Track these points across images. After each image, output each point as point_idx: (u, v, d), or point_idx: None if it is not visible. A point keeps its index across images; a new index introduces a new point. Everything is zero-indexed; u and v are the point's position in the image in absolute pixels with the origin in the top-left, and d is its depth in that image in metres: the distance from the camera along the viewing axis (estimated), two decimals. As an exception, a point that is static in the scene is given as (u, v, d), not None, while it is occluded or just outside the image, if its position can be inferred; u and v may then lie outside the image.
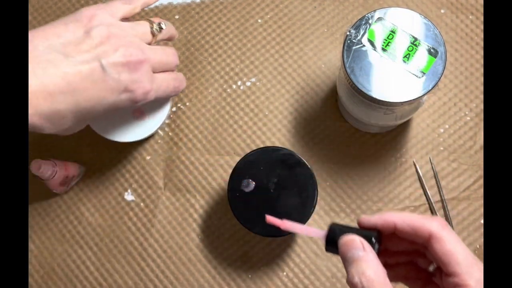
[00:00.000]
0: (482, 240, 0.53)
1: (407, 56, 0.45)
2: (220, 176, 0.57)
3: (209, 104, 0.59)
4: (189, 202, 0.56)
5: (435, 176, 0.55)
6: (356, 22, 0.46)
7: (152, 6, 0.62)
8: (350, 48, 0.46)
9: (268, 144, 0.57)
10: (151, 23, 0.44)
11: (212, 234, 0.55)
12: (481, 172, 0.55)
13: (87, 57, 0.38)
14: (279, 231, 0.46)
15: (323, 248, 0.51)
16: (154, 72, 0.44)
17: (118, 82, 0.39)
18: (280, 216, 0.46)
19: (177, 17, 0.61)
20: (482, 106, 0.57)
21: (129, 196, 0.57)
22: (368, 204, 0.55)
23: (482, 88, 0.57)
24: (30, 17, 0.62)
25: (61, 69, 0.37)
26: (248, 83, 0.59)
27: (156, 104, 0.51)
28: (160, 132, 0.58)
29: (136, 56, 0.40)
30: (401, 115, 0.50)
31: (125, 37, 0.41)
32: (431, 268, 0.36)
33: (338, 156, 0.56)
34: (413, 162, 0.56)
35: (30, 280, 0.55)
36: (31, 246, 0.56)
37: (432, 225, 0.33)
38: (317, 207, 0.55)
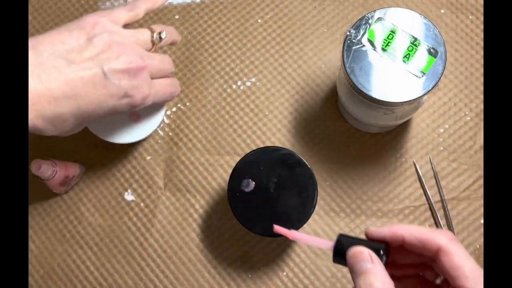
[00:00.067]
0: (482, 240, 0.53)
1: (407, 56, 0.45)
2: (220, 176, 0.57)
3: (209, 104, 0.59)
4: (189, 202, 0.56)
5: (435, 176, 0.55)
6: (356, 22, 0.46)
7: (152, 6, 0.62)
8: (350, 48, 0.46)
9: (268, 144, 0.57)
10: (152, 31, 0.46)
11: (212, 234, 0.55)
12: (481, 172, 0.55)
13: (90, 63, 0.40)
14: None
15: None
16: (152, 78, 0.45)
17: (119, 88, 0.41)
18: (280, 216, 0.46)
19: (177, 17, 0.61)
20: (482, 106, 0.57)
21: (129, 196, 0.57)
22: (368, 204, 0.55)
23: (482, 88, 0.57)
24: (30, 17, 0.62)
25: (64, 75, 0.39)
26: (248, 83, 0.59)
27: (151, 108, 0.52)
28: (160, 132, 0.58)
29: (136, 63, 0.42)
30: (401, 115, 0.50)
31: (127, 45, 0.42)
32: (438, 281, 0.36)
33: (338, 156, 0.56)
34: (413, 162, 0.56)
35: (30, 280, 0.55)
36: (31, 246, 0.56)
37: (441, 238, 0.33)
38: (317, 207, 0.55)
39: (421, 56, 0.45)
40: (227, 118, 0.58)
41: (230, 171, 0.49)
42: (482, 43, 0.58)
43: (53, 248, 0.56)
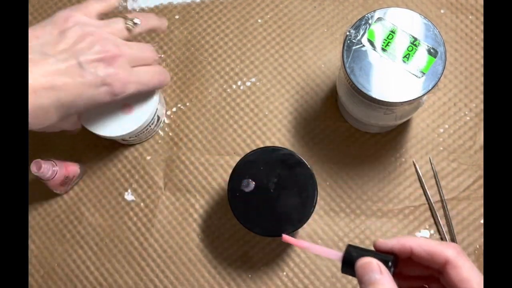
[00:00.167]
0: (482, 240, 0.53)
1: (407, 56, 0.45)
2: (220, 176, 0.57)
3: (209, 104, 0.59)
4: (189, 202, 0.56)
5: (435, 176, 0.55)
6: (356, 22, 0.46)
7: (152, 6, 0.62)
8: (350, 48, 0.46)
9: (268, 144, 0.57)
10: (126, 19, 0.46)
11: (212, 234, 0.55)
12: (480, 172, 0.55)
13: (65, 55, 0.41)
14: (279, 231, 0.46)
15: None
16: (134, 66, 0.46)
17: (95, 77, 0.42)
18: (280, 216, 0.46)
19: (177, 17, 0.62)
20: (482, 106, 0.57)
21: (129, 196, 0.57)
22: (368, 204, 0.55)
23: (482, 88, 0.57)
24: (30, 17, 0.62)
25: (41, 68, 0.40)
26: (248, 83, 0.59)
27: (142, 98, 0.52)
28: (160, 132, 0.58)
29: (111, 52, 0.43)
30: (401, 115, 0.50)
31: (100, 35, 0.43)
32: None
33: (338, 156, 0.56)
34: (413, 162, 0.56)
35: (30, 279, 0.55)
36: (31, 246, 0.56)
37: (448, 251, 0.34)
38: (317, 207, 0.55)
39: (421, 56, 0.45)
40: (227, 118, 0.58)
41: (230, 171, 0.49)
42: (482, 43, 0.58)
43: (53, 248, 0.56)
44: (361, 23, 0.46)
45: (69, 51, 0.42)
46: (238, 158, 0.55)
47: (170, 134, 0.58)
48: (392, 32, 0.46)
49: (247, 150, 0.57)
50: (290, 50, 0.60)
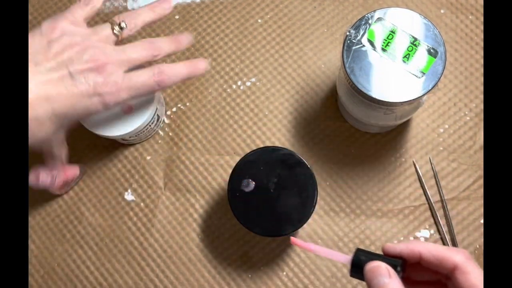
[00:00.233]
0: (482, 240, 0.53)
1: (407, 56, 0.45)
2: (220, 176, 0.57)
3: (209, 104, 0.59)
4: (189, 202, 0.56)
5: (435, 176, 0.55)
6: (356, 22, 0.46)
7: (152, 6, 0.62)
8: (350, 48, 0.46)
9: (268, 144, 0.57)
10: (113, 24, 0.45)
11: (212, 234, 0.55)
12: (480, 172, 0.55)
13: (54, 64, 0.41)
14: (279, 231, 0.46)
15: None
16: (129, 71, 0.45)
17: (87, 86, 0.42)
18: (280, 216, 0.46)
19: (177, 17, 0.62)
20: (482, 106, 0.57)
21: (129, 196, 0.57)
22: (368, 204, 0.55)
23: (482, 88, 0.57)
24: (30, 17, 0.62)
25: (34, 78, 0.40)
26: (248, 83, 0.59)
27: (143, 99, 0.52)
28: (160, 132, 0.58)
29: (99, 60, 0.42)
30: (401, 115, 0.50)
31: (87, 44, 0.43)
32: None
33: (338, 156, 0.56)
34: (413, 162, 0.56)
35: (30, 279, 0.55)
36: (31, 246, 0.56)
37: (457, 256, 0.34)
38: (317, 207, 0.55)
39: (421, 56, 0.45)
40: (227, 118, 0.58)
41: (230, 171, 0.49)
42: (482, 43, 0.58)
43: (53, 248, 0.56)
44: (361, 23, 0.46)
45: (59, 61, 0.41)
46: (238, 158, 0.55)
47: (170, 134, 0.58)
48: (392, 32, 0.46)
49: (247, 150, 0.57)
50: (290, 50, 0.60)
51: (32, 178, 0.49)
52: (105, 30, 0.45)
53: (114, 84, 0.43)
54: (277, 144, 0.57)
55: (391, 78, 0.45)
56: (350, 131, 0.57)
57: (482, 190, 0.54)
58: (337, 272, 0.53)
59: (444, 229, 0.54)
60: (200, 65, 0.47)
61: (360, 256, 0.36)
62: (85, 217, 0.56)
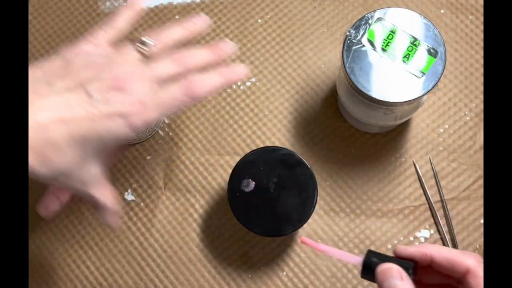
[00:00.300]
0: (482, 240, 0.53)
1: (407, 56, 0.45)
2: (220, 176, 0.57)
3: (209, 104, 0.59)
4: (189, 202, 0.56)
5: (435, 176, 0.55)
6: (356, 22, 0.46)
7: (152, 6, 0.62)
8: (350, 48, 0.46)
9: (268, 144, 0.57)
10: (134, 42, 0.41)
11: (212, 234, 0.55)
12: (480, 172, 0.55)
13: (71, 84, 0.37)
14: (279, 231, 0.46)
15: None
16: (158, 87, 0.40)
17: (107, 106, 0.37)
18: (280, 216, 0.46)
19: (177, 17, 0.62)
20: (482, 106, 0.57)
21: (129, 196, 0.57)
22: (368, 204, 0.55)
23: (482, 88, 0.57)
24: (30, 17, 0.62)
25: (48, 100, 0.36)
26: (248, 83, 0.59)
27: None
28: (160, 132, 0.58)
29: (121, 78, 0.38)
30: (401, 115, 0.50)
31: (109, 62, 0.39)
32: None
33: (338, 156, 0.56)
34: (413, 162, 0.56)
35: (30, 280, 0.55)
36: (31, 246, 0.56)
37: (469, 260, 0.34)
38: (317, 207, 0.55)
39: (421, 56, 0.45)
40: (227, 118, 0.58)
41: (230, 171, 0.49)
42: (482, 43, 0.58)
43: (53, 248, 0.56)
44: (361, 23, 0.46)
45: (76, 81, 0.37)
46: (238, 158, 0.55)
47: (170, 134, 0.58)
48: (392, 32, 0.46)
49: (247, 150, 0.57)
50: (290, 50, 0.60)
51: (41, 211, 0.45)
52: (129, 48, 0.40)
53: (139, 103, 0.38)
54: (277, 144, 0.57)
55: (391, 78, 0.45)
56: (350, 131, 0.57)
57: (482, 190, 0.54)
58: (337, 272, 0.53)
59: (444, 229, 0.54)
60: (238, 70, 0.42)
61: (371, 258, 0.36)
62: (85, 217, 0.56)
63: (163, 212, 0.56)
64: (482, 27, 0.59)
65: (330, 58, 0.59)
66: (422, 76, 0.45)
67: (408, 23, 0.46)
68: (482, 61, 0.58)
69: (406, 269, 0.35)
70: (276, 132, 0.57)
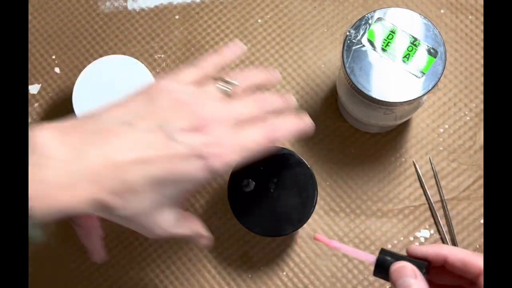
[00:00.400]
0: (482, 240, 0.53)
1: (407, 56, 0.45)
2: (220, 176, 0.57)
3: (209, 104, 0.59)
4: (189, 202, 0.56)
5: (435, 176, 0.55)
6: (356, 22, 0.46)
7: (152, 6, 0.62)
8: (350, 48, 0.46)
9: (268, 144, 0.57)
10: (217, 81, 0.41)
11: (212, 234, 0.55)
12: (480, 172, 0.55)
13: (151, 124, 0.36)
14: (279, 231, 0.46)
15: (321, 247, 0.51)
16: (239, 129, 0.39)
17: (186, 148, 0.36)
18: (280, 216, 0.46)
19: (177, 17, 0.62)
20: (482, 106, 0.57)
21: (129, 196, 0.57)
22: (368, 204, 0.55)
23: (482, 88, 0.57)
24: (30, 17, 0.62)
25: (125, 139, 0.35)
26: (248, 83, 0.59)
27: None
28: (160, 132, 0.58)
29: (202, 118, 0.37)
30: (401, 115, 0.50)
31: (190, 101, 0.38)
32: None
33: (338, 156, 0.56)
34: (413, 162, 0.56)
35: (30, 279, 0.55)
36: (31, 246, 0.56)
37: (483, 262, 0.34)
38: (317, 207, 0.55)
39: (421, 56, 0.45)
40: (227, 118, 0.58)
41: (230, 171, 0.49)
42: (482, 43, 0.58)
43: (53, 248, 0.56)
44: (361, 23, 0.46)
45: (157, 120, 0.36)
46: (238, 158, 0.55)
47: (170, 134, 0.58)
48: (392, 32, 0.46)
49: (247, 150, 0.57)
50: (290, 50, 0.60)
51: (97, 259, 0.46)
52: (210, 87, 0.40)
53: (220, 144, 0.37)
54: (277, 144, 0.57)
55: (391, 78, 0.45)
56: (350, 131, 0.57)
57: (482, 190, 0.54)
58: (337, 272, 0.53)
59: (444, 229, 0.54)
60: (308, 120, 0.42)
61: (385, 256, 0.36)
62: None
63: (163, 212, 0.56)
64: (482, 27, 0.59)
65: (330, 58, 0.59)
66: (422, 76, 0.45)
67: (408, 23, 0.46)
68: (482, 61, 0.58)
69: (419, 268, 0.35)
70: (276, 132, 0.57)
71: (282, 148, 0.47)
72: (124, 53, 0.61)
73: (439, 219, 0.54)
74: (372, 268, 0.37)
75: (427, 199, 0.55)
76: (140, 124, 0.36)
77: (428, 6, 0.60)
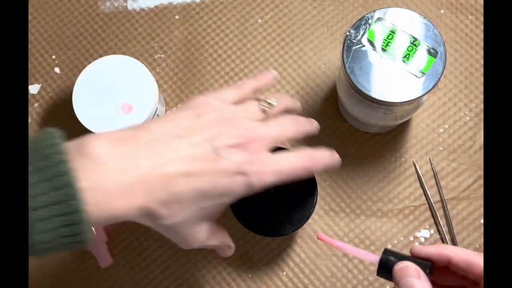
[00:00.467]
0: (482, 240, 0.53)
1: (407, 56, 0.45)
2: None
3: (209, 104, 0.59)
4: (189, 202, 0.56)
5: (435, 176, 0.55)
6: (356, 22, 0.46)
7: (152, 6, 0.62)
8: (350, 48, 0.46)
9: (268, 144, 0.57)
10: (259, 101, 0.43)
11: (212, 234, 0.55)
12: (480, 172, 0.55)
13: (200, 140, 0.38)
14: (279, 231, 0.46)
15: (321, 247, 0.51)
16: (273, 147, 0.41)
17: (231, 163, 0.38)
18: (280, 216, 0.46)
19: (177, 17, 0.62)
20: (481, 106, 0.57)
21: (129, 196, 0.57)
22: (367, 204, 0.55)
23: (482, 88, 0.57)
24: (30, 17, 0.62)
25: (177, 152, 0.37)
26: (248, 83, 0.59)
27: (142, 97, 0.52)
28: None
29: (246, 136, 0.39)
30: (401, 115, 0.50)
31: (235, 119, 0.40)
32: None
33: (338, 156, 0.56)
34: (413, 162, 0.56)
35: (30, 279, 0.55)
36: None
37: (483, 262, 0.34)
38: (317, 207, 0.55)
39: (421, 56, 0.45)
40: (227, 118, 0.58)
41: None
42: (482, 43, 0.58)
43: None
44: (361, 23, 0.46)
45: (204, 135, 0.38)
46: (238, 158, 0.55)
47: (170, 134, 0.58)
48: (392, 32, 0.46)
49: (247, 150, 0.57)
50: (290, 50, 0.60)
51: (103, 264, 0.51)
52: (252, 107, 0.42)
53: (260, 163, 0.39)
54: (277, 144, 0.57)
55: (391, 78, 0.45)
56: (350, 131, 0.57)
57: (482, 190, 0.54)
58: (337, 272, 0.53)
59: (444, 229, 0.54)
60: (337, 156, 0.44)
61: (388, 256, 0.36)
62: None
63: (163, 212, 0.56)
64: (482, 27, 0.59)
65: (330, 58, 0.59)
66: (422, 76, 0.45)
67: (408, 23, 0.46)
68: (482, 61, 0.58)
69: (423, 268, 0.35)
70: (276, 132, 0.57)
71: (283, 147, 0.47)
72: (124, 53, 0.61)
73: (439, 219, 0.54)
74: (374, 268, 0.37)
75: (427, 199, 0.55)
76: (188, 137, 0.37)
77: (428, 6, 0.60)
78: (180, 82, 0.59)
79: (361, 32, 0.46)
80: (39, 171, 0.32)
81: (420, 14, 0.46)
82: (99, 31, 0.62)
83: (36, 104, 0.60)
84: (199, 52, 0.60)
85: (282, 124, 0.42)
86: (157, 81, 0.58)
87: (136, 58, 0.55)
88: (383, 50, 0.45)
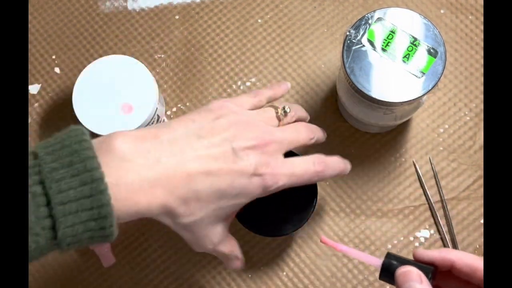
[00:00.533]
0: (482, 240, 0.53)
1: (407, 56, 0.45)
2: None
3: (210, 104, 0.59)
4: (189, 202, 0.56)
5: (435, 176, 0.55)
6: (356, 22, 0.46)
7: (152, 6, 0.62)
8: (350, 48, 0.46)
9: (268, 144, 0.57)
10: (276, 108, 0.45)
11: (212, 234, 0.55)
12: (480, 172, 0.55)
13: (219, 140, 0.39)
14: (279, 231, 0.46)
15: (321, 247, 0.51)
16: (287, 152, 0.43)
17: (248, 165, 0.39)
18: (280, 216, 0.46)
19: (177, 17, 0.62)
20: (481, 106, 0.57)
21: (129, 196, 0.57)
22: (367, 204, 0.55)
23: (482, 88, 0.57)
24: (30, 17, 0.62)
25: (196, 151, 0.38)
26: (248, 83, 0.59)
27: (142, 97, 0.53)
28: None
29: (263, 139, 0.40)
30: (401, 115, 0.50)
31: (252, 123, 0.41)
32: None
33: (338, 156, 0.56)
34: (413, 162, 0.56)
35: (30, 279, 0.55)
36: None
37: (483, 262, 0.34)
38: (317, 207, 0.55)
39: (421, 56, 0.45)
40: (227, 118, 0.58)
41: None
42: (482, 43, 0.58)
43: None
44: (361, 23, 0.46)
45: (223, 136, 0.39)
46: (238, 158, 0.55)
47: (170, 134, 0.58)
48: (392, 32, 0.46)
49: (247, 150, 0.57)
50: (290, 50, 0.60)
51: (106, 264, 0.52)
52: (269, 113, 0.44)
53: (276, 166, 0.40)
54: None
55: (391, 78, 0.45)
56: (350, 131, 0.57)
57: (482, 190, 0.54)
58: (337, 272, 0.53)
59: (444, 229, 0.54)
60: (348, 165, 0.46)
61: (391, 260, 0.36)
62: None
63: (163, 212, 0.56)
64: (482, 27, 0.59)
65: (330, 58, 0.59)
66: (422, 76, 0.45)
67: (408, 23, 0.46)
68: (482, 61, 0.58)
69: (425, 273, 0.35)
70: (276, 132, 0.57)
71: (294, 153, 0.47)
72: (124, 53, 0.61)
73: (439, 219, 0.54)
74: (374, 268, 0.37)
75: (427, 199, 0.55)
76: (209, 138, 0.39)
77: (428, 6, 0.60)
78: (180, 82, 0.59)
79: (361, 32, 0.46)
80: (67, 166, 0.33)
81: (420, 14, 0.46)
82: (99, 31, 0.62)
83: (36, 104, 0.60)
84: (199, 52, 0.60)
85: (297, 129, 0.44)
86: (157, 81, 0.58)
87: (136, 58, 0.55)
88: (383, 50, 0.45)
